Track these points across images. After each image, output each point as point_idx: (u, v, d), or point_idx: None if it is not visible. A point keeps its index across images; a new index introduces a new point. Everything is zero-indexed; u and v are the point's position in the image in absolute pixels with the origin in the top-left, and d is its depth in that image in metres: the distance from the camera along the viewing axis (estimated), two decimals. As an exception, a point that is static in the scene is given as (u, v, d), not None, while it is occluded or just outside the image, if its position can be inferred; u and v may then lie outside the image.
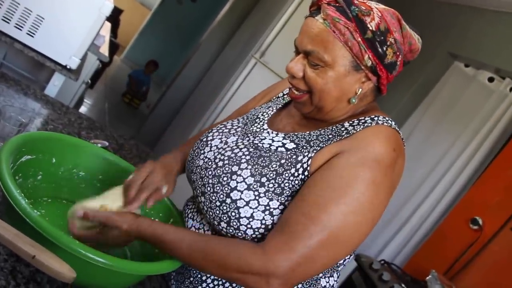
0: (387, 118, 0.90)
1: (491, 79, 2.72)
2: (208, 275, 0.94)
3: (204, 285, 0.94)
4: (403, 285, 2.06)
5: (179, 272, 0.99)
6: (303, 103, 0.93)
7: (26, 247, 0.64)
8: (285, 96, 1.12)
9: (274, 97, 1.14)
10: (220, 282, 0.93)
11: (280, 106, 1.08)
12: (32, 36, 1.85)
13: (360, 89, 0.89)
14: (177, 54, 7.20)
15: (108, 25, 3.48)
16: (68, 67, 1.94)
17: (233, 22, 4.48)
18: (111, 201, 0.90)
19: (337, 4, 0.85)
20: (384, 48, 0.85)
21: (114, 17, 6.87)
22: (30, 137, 0.92)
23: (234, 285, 0.93)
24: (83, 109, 4.51)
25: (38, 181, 0.95)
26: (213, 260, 0.81)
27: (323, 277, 0.95)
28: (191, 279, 0.96)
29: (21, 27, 1.83)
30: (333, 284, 0.99)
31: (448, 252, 2.42)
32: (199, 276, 0.95)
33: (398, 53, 0.88)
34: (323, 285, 0.96)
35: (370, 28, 0.84)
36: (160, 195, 0.98)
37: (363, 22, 0.84)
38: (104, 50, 2.69)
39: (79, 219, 0.83)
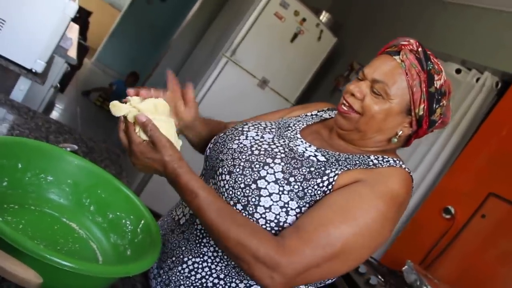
0: (405, 165, 1.00)
1: (458, 71, 2.78)
2: (189, 257, 0.98)
3: (184, 266, 0.99)
4: (379, 277, 2.09)
5: (163, 252, 1.03)
6: (348, 120, 1.00)
7: (-12, 255, 0.62)
8: (313, 116, 1.18)
9: (303, 115, 1.19)
10: (200, 262, 0.98)
11: (309, 123, 1.13)
12: (-5, 40, 1.80)
13: (401, 132, 1.00)
14: (149, 55, 7.12)
15: (76, 27, 3.41)
16: (33, 70, 1.89)
17: (203, 21, 4.47)
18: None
19: (417, 55, 0.96)
20: (436, 106, 0.98)
21: (83, 19, 6.74)
22: (-7, 143, 0.90)
23: (214, 267, 0.97)
24: (54, 114, 4.42)
25: (3, 187, 0.92)
26: (235, 233, 0.84)
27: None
28: (173, 258, 1.01)
29: (-17, 31, 1.77)
30: None
31: (423, 242, 2.47)
32: (181, 257, 1.00)
33: (441, 116, 1.01)
34: None
35: (435, 85, 0.96)
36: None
37: (433, 77, 0.96)
38: (72, 52, 2.63)
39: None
